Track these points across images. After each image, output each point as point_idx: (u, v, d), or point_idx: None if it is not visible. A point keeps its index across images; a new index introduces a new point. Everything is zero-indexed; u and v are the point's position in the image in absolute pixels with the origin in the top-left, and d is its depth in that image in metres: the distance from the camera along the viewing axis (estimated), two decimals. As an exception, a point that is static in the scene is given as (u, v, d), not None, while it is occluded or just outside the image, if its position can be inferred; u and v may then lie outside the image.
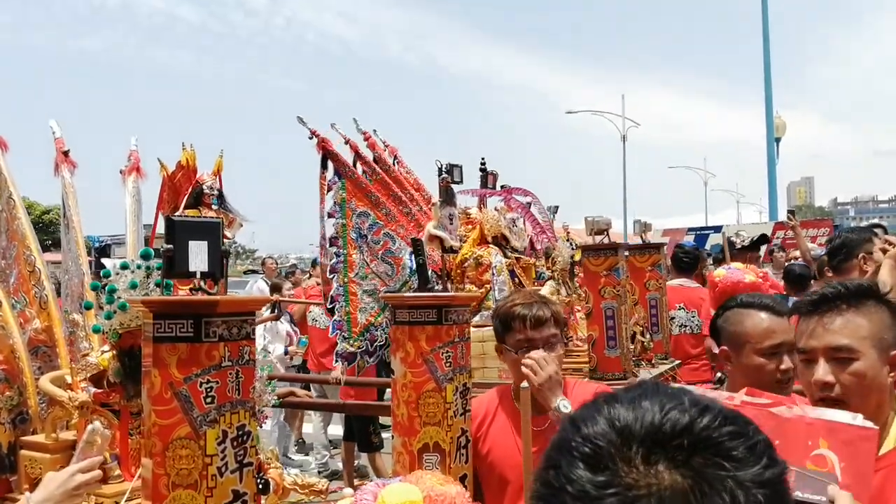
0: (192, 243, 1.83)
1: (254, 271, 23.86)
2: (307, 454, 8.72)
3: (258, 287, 10.73)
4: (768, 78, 25.39)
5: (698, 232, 21.59)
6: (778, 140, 25.67)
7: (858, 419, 1.46)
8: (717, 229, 22.58)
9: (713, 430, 0.74)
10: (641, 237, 5.38)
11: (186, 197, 4.13)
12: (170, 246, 1.81)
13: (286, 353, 8.10)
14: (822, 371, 1.81)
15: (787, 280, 6.87)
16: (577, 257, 4.70)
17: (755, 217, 65.19)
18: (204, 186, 4.22)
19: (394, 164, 3.90)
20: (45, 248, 3.20)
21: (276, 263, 14.22)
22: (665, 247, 5.29)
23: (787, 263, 8.39)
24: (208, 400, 1.75)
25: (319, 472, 7.38)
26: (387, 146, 3.97)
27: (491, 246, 3.89)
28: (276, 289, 8.70)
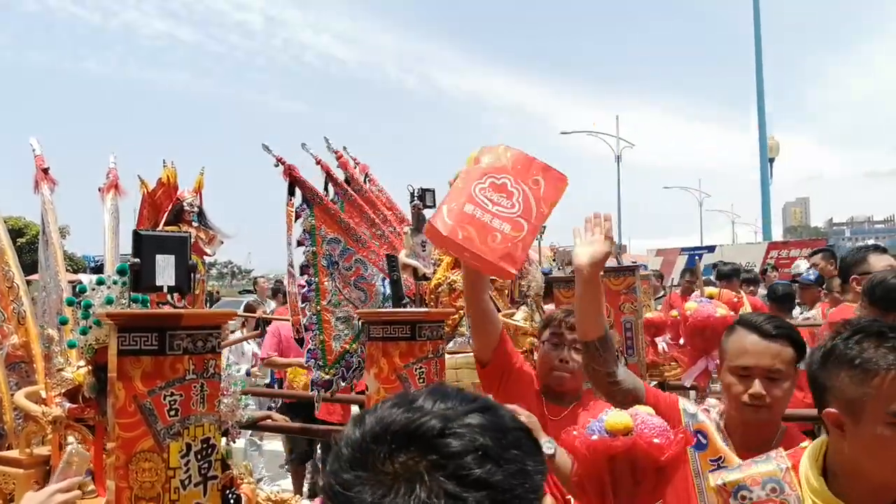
0: (159, 257, 1.85)
1: (248, 291, 23.81)
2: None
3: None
4: (761, 98, 25.61)
5: (691, 252, 21.69)
6: (771, 161, 25.81)
7: None
8: (711, 249, 22.71)
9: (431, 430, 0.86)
10: (616, 259, 5.38)
11: (167, 214, 4.15)
12: (137, 260, 1.83)
13: (248, 374, 7.88)
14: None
15: (771, 300, 6.91)
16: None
17: (751, 237, 65.32)
18: (184, 203, 4.22)
19: (365, 183, 3.88)
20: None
21: (281, 284, 14.14)
22: (640, 269, 5.31)
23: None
24: (172, 413, 1.76)
25: (309, 492, 7.32)
26: (357, 164, 3.94)
27: (465, 270, 3.86)
28: (250, 309, 8.64)
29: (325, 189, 3.63)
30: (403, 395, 0.94)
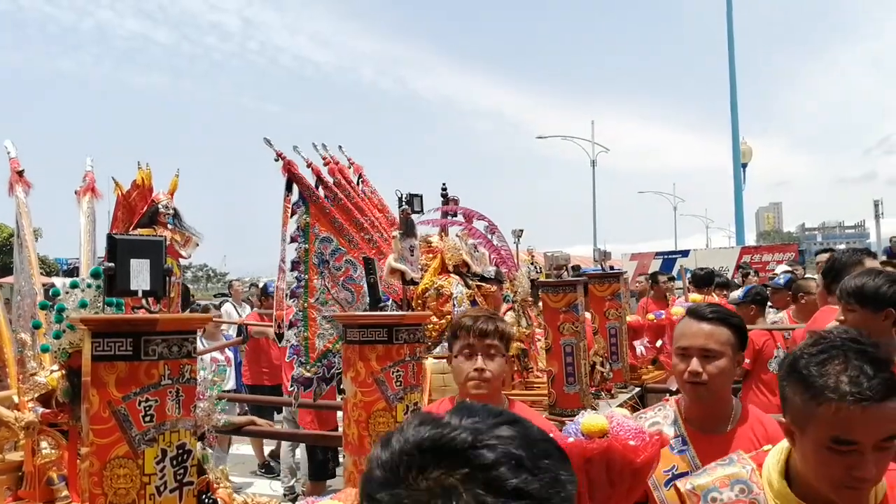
0: (133, 261, 1.83)
1: (223, 295, 23.61)
2: (276, 476, 8.61)
3: (224, 310, 10.69)
4: (734, 104, 25.87)
5: (666, 256, 21.83)
6: (744, 166, 26.08)
7: None
8: (685, 253, 22.86)
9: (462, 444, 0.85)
10: (601, 265, 5.37)
11: (141, 216, 4.12)
12: (111, 264, 1.81)
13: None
14: None
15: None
16: (543, 277, 4.72)
17: (724, 241, 65.89)
18: (159, 206, 4.21)
19: (358, 184, 3.88)
20: (10, 272, 3.16)
21: (263, 287, 14.10)
22: (625, 275, 5.33)
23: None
24: (147, 419, 1.74)
25: (285, 496, 7.29)
26: (352, 164, 3.93)
27: (452, 275, 3.86)
28: (206, 310, 8.65)
29: (316, 188, 3.63)
30: (427, 414, 0.93)
